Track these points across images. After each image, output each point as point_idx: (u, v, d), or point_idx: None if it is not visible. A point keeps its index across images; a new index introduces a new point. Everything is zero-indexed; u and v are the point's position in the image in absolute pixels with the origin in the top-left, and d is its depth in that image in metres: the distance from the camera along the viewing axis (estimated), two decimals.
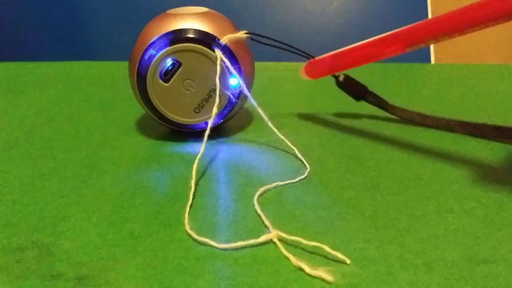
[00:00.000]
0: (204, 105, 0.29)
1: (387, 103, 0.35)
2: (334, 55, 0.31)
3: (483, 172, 0.26)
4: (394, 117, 0.35)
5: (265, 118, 0.28)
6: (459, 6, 0.23)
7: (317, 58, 0.32)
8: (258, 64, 0.32)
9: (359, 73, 0.35)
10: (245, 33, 0.29)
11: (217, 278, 0.18)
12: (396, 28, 0.26)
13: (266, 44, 0.30)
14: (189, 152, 0.29)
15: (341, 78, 0.34)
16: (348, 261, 0.19)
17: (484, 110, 0.36)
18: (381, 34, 0.27)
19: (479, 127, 0.31)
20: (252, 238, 0.20)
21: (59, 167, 0.28)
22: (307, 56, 0.32)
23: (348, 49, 0.30)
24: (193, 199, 0.24)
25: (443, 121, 0.33)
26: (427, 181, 0.25)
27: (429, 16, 0.89)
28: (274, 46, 0.31)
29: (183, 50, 0.28)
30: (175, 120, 0.30)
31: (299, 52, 0.32)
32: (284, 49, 0.32)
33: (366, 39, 0.28)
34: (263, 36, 0.30)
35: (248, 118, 0.35)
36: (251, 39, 0.30)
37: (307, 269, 0.18)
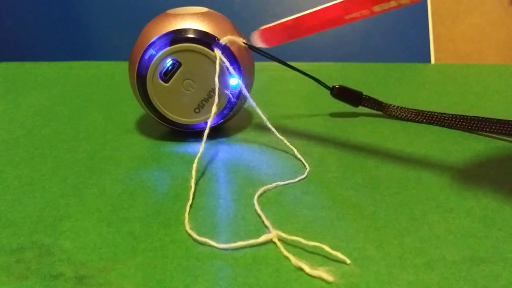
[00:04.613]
0: (204, 105, 0.29)
1: (383, 104, 0.35)
2: (293, 21, 0.28)
3: (483, 172, 0.26)
4: (394, 116, 0.35)
5: (264, 118, 0.28)
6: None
7: (271, 24, 0.29)
8: (258, 64, 0.32)
9: (359, 73, 0.35)
10: (244, 42, 0.29)
11: (217, 278, 0.18)
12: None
13: (261, 54, 0.30)
14: (189, 152, 0.29)
15: (335, 89, 0.34)
16: (348, 261, 0.19)
17: (483, 110, 0.36)
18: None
19: (470, 121, 0.32)
20: (252, 238, 0.20)
21: (59, 167, 0.28)
22: (297, 71, 0.32)
23: (308, 14, 0.27)
24: (193, 199, 0.24)
25: (437, 116, 0.33)
26: (427, 181, 0.25)
27: (429, 16, 0.89)
28: (268, 56, 0.30)
29: (183, 50, 0.28)
30: (175, 120, 0.30)
31: (291, 67, 0.31)
32: (280, 62, 0.31)
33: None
34: (261, 53, 0.30)
35: (248, 118, 0.35)
36: (248, 46, 0.30)
37: (307, 269, 0.18)
